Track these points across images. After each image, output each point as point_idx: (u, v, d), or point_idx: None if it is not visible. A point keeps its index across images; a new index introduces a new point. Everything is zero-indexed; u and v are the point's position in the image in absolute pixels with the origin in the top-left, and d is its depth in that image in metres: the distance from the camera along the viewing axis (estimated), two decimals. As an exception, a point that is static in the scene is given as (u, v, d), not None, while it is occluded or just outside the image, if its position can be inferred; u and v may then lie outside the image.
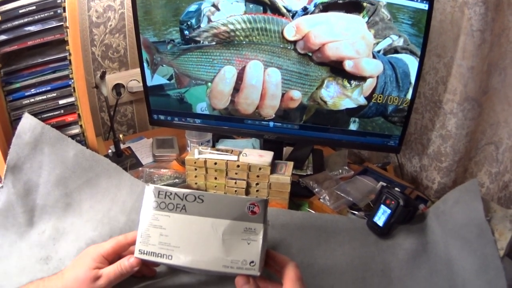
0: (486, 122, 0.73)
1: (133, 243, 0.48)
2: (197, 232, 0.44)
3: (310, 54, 0.67)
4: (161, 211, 0.46)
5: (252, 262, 0.43)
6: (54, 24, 0.66)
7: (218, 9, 0.67)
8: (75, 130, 0.71)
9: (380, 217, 0.63)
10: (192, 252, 0.44)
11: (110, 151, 0.85)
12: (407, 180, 0.86)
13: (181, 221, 0.45)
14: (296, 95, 0.71)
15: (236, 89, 0.71)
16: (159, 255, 0.45)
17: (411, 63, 0.67)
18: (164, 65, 0.73)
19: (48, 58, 0.68)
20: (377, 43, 0.66)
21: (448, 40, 0.72)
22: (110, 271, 0.46)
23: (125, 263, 0.46)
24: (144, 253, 0.45)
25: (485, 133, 0.74)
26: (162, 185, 0.75)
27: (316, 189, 0.74)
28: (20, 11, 0.64)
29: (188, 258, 0.44)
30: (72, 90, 0.69)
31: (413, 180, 0.86)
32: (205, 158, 0.68)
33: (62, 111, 0.70)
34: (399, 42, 0.66)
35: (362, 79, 0.68)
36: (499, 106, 0.70)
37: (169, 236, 0.45)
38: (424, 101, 0.80)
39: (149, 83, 0.76)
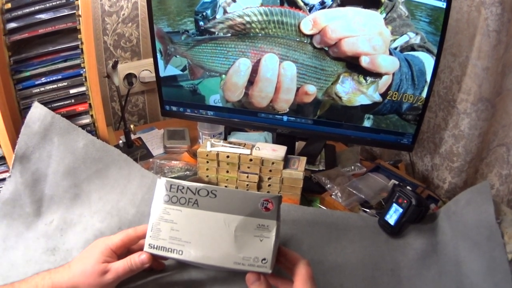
0: (499, 123, 0.73)
1: (143, 236, 0.48)
2: (209, 228, 0.43)
3: (326, 48, 0.67)
4: (173, 205, 0.45)
5: (264, 259, 0.42)
6: (66, 12, 0.65)
7: (234, 1, 0.66)
8: (86, 120, 0.70)
9: (392, 216, 0.63)
10: (203, 247, 0.43)
11: (120, 141, 0.84)
12: (418, 178, 0.86)
13: (193, 216, 0.44)
14: (311, 89, 0.70)
15: (251, 81, 0.71)
16: (170, 249, 0.44)
17: (427, 61, 0.67)
18: (177, 56, 0.73)
19: (59, 47, 0.66)
20: (394, 40, 0.65)
21: (464, 40, 0.71)
22: (119, 266, 0.45)
23: (136, 259, 0.45)
24: (154, 247, 0.45)
25: (497, 134, 0.73)
26: (173, 177, 0.74)
27: (328, 185, 0.73)
28: (31, -2, 0.63)
29: (199, 254, 0.43)
30: (84, 80, 0.68)
31: (424, 179, 0.86)
32: (218, 151, 0.68)
33: (72, 100, 0.69)
34: (416, 39, 0.65)
35: (378, 75, 0.67)
36: (512, 108, 0.70)
37: (180, 230, 0.44)
38: (438, 99, 0.80)
39: (162, 73, 0.75)
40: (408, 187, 0.66)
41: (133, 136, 0.86)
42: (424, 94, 0.69)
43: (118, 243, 0.47)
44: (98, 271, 0.44)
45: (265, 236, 0.42)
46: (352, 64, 0.67)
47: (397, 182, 0.74)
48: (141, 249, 0.47)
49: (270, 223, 0.43)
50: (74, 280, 0.44)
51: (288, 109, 0.74)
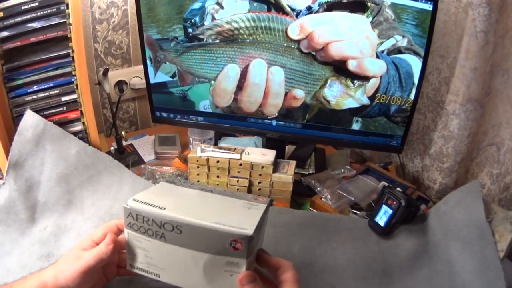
0: (488, 123, 0.73)
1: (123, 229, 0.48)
2: (178, 261, 0.42)
3: (314, 53, 0.67)
4: (142, 235, 0.43)
5: None
6: (57, 20, 0.66)
7: (222, 7, 0.67)
8: (78, 127, 0.71)
9: (382, 217, 0.63)
10: (176, 277, 0.42)
11: (112, 148, 0.85)
12: (409, 180, 0.87)
13: (162, 247, 0.42)
14: (299, 94, 0.71)
15: (239, 87, 0.71)
16: (148, 272, 0.44)
17: (415, 64, 0.67)
18: (167, 63, 0.73)
19: (51, 55, 0.67)
20: (381, 43, 0.66)
21: (452, 41, 0.72)
22: (89, 254, 0.44)
23: (103, 248, 0.45)
24: (134, 268, 0.45)
25: (487, 134, 0.74)
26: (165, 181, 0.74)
27: (318, 188, 0.74)
28: (23, 7, 0.64)
29: (174, 281, 0.42)
30: (75, 87, 0.69)
31: (415, 180, 0.86)
32: (208, 156, 0.68)
33: (64, 108, 0.69)
34: (403, 42, 0.66)
35: (366, 79, 0.68)
36: (501, 108, 0.70)
37: (154, 258, 0.43)
38: (426, 101, 0.80)
39: (152, 80, 0.76)
40: (397, 189, 0.66)
41: (124, 143, 0.87)
42: (412, 96, 0.69)
43: (99, 235, 0.47)
44: (72, 256, 0.44)
45: (235, 271, 0.40)
46: (340, 68, 0.67)
47: (387, 184, 0.75)
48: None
49: (240, 261, 0.40)
50: (57, 268, 0.45)
51: (277, 114, 0.74)
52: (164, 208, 0.42)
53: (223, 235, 0.39)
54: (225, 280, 0.41)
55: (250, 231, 0.39)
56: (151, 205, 0.42)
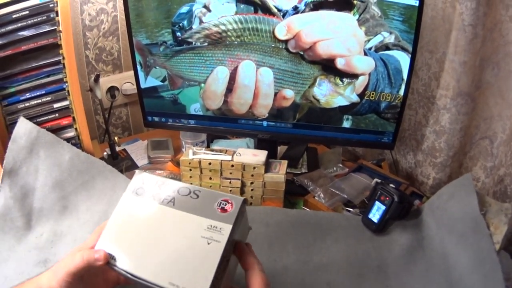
0: (480, 116, 0.73)
1: None
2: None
3: (302, 52, 0.67)
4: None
5: None
6: (47, 28, 0.67)
7: (209, 10, 0.67)
8: (70, 133, 0.72)
9: (375, 214, 0.64)
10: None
11: (105, 153, 0.85)
12: (402, 176, 0.87)
13: None
14: (289, 94, 0.71)
15: (229, 89, 0.72)
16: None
17: (403, 60, 0.67)
18: (157, 67, 0.74)
19: (42, 63, 0.68)
20: (368, 40, 0.66)
21: (440, 36, 0.72)
22: (77, 255, 0.42)
23: (90, 253, 0.42)
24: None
25: (479, 127, 0.74)
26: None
27: (311, 187, 0.74)
28: (14, 16, 0.65)
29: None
30: (67, 94, 0.70)
31: (408, 176, 0.86)
32: (200, 159, 0.69)
33: (57, 114, 0.70)
34: (390, 38, 0.66)
35: (354, 76, 0.68)
36: (493, 100, 0.70)
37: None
38: (417, 97, 0.80)
39: (143, 85, 0.77)
40: (390, 185, 0.67)
41: (117, 148, 0.88)
42: (401, 92, 0.69)
43: (94, 238, 0.47)
44: (66, 260, 0.44)
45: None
46: (328, 67, 0.68)
47: (379, 181, 0.75)
48: None
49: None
50: (50, 272, 0.44)
51: (267, 114, 0.74)
52: (115, 259, 0.39)
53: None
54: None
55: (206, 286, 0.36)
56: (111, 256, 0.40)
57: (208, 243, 0.38)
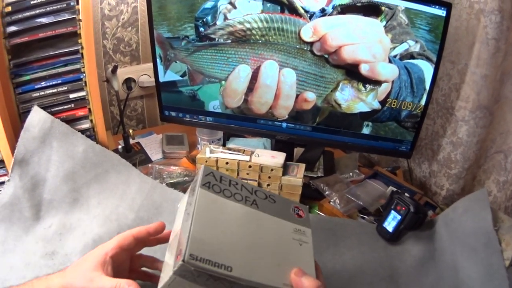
0: (496, 130, 0.73)
1: (141, 237, 0.46)
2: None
3: (326, 56, 0.67)
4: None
5: None
6: (66, 16, 0.65)
7: (234, 7, 0.66)
8: (85, 124, 0.70)
9: (390, 223, 0.63)
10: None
11: (120, 146, 0.84)
12: (416, 185, 0.86)
13: None
14: (311, 96, 0.70)
15: (250, 88, 0.71)
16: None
17: (427, 69, 0.67)
18: (177, 61, 0.73)
19: (59, 51, 0.66)
20: (394, 48, 0.66)
21: (463, 47, 0.72)
22: (105, 284, 0.41)
23: (123, 285, 0.41)
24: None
25: (495, 141, 0.74)
26: (172, 182, 0.74)
27: (327, 192, 0.73)
28: (32, 2, 0.63)
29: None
30: (84, 84, 0.68)
31: (422, 185, 0.86)
32: (217, 157, 0.68)
33: (72, 105, 0.69)
34: (415, 47, 0.66)
35: (377, 83, 0.68)
36: (510, 115, 0.70)
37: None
38: (436, 107, 0.80)
39: (162, 79, 0.75)
40: (406, 194, 0.66)
41: (132, 141, 0.86)
42: (423, 102, 0.69)
43: (113, 246, 0.45)
44: (86, 278, 0.42)
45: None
46: (352, 72, 0.67)
47: (395, 189, 0.75)
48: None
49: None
50: (65, 281, 0.43)
51: (287, 116, 0.74)
52: (231, 269, 0.36)
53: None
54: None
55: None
56: (214, 264, 0.35)
57: (300, 245, 0.41)
